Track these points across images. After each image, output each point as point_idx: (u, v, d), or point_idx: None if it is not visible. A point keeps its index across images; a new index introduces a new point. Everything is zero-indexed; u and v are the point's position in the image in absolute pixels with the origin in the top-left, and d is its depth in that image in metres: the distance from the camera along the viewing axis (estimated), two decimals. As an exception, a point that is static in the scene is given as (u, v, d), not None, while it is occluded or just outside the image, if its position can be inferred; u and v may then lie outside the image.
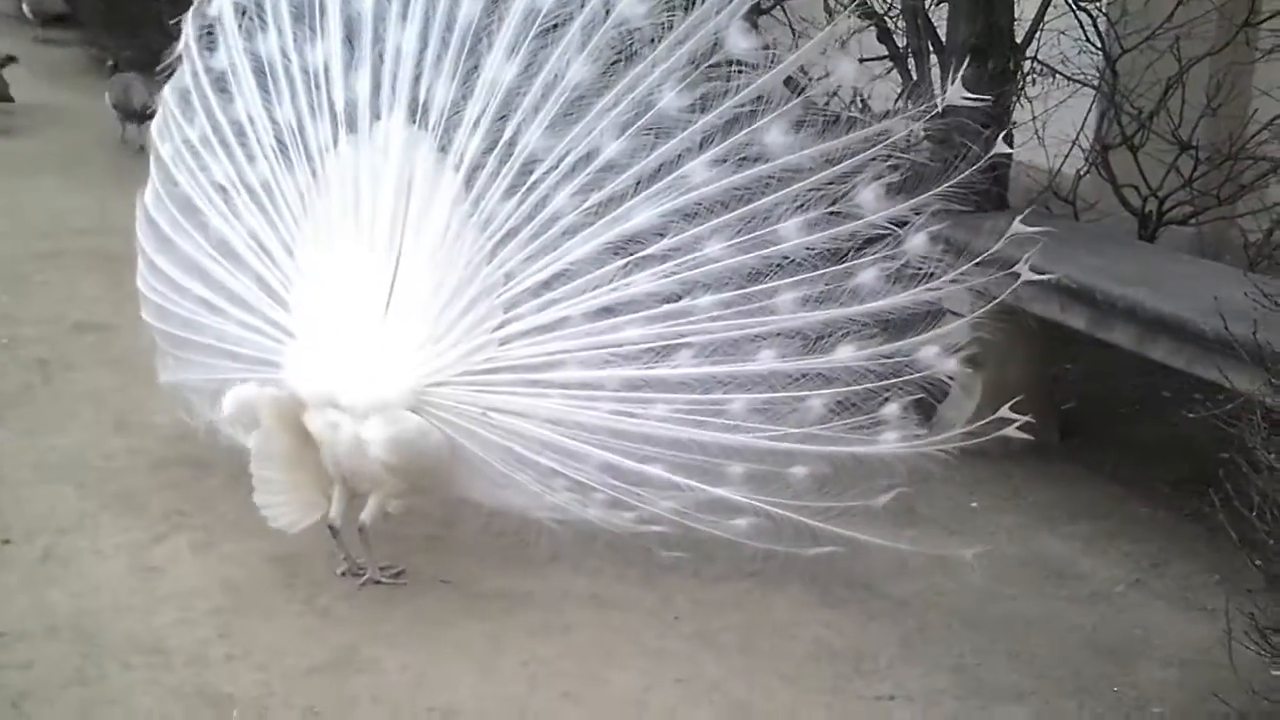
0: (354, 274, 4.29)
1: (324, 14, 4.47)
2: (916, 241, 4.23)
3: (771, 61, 4.19)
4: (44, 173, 8.87)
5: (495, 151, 4.29)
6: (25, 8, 13.59)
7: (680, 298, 4.21)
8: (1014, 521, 4.96)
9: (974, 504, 5.08)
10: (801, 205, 4.21)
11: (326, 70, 4.46)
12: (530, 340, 4.24)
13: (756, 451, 4.23)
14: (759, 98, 4.13)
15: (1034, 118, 6.43)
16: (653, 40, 4.20)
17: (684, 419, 4.20)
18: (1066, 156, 6.53)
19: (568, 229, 4.23)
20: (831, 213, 4.24)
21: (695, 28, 4.14)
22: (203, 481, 4.83)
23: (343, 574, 4.30)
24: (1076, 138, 6.55)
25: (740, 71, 4.17)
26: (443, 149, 4.34)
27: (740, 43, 4.14)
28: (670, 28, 4.17)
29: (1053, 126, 6.52)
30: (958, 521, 4.94)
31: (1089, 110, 6.57)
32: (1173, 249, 5.96)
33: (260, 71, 4.59)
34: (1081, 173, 6.43)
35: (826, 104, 6.62)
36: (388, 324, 4.24)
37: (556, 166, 4.24)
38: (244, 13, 4.62)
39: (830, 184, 4.22)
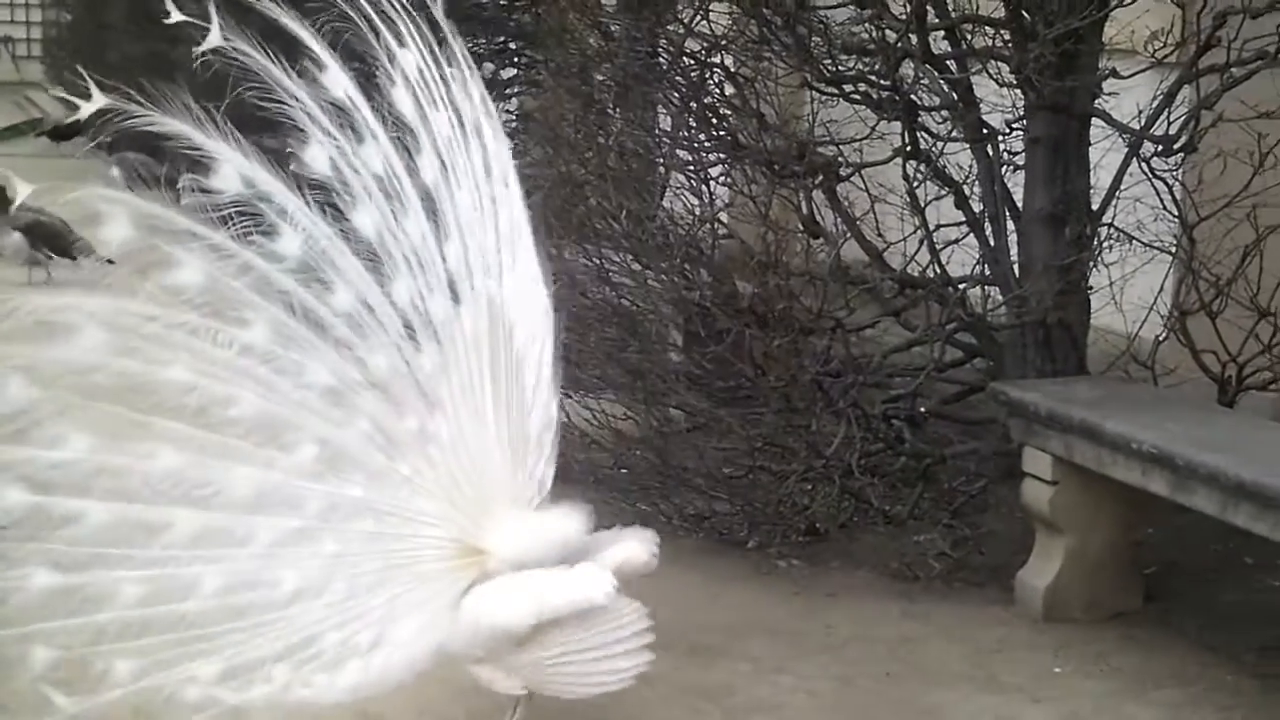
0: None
1: (404, 188, 4.43)
2: None
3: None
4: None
5: None
6: (115, 171, 13.99)
7: None
8: (1098, 688, 4.92)
9: (1058, 670, 5.05)
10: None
11: (425, 240, 4.28)
12: None
13: None
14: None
15: (1111, 283, 6.50)
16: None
17: None
18: (1144, 322, 6.58)
19: None
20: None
21: None
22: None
23: None
24: (1154, 303, 6.61)
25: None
26: None
27: None
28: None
29: (1130, 292, 6.58)
30: (1042, 688, 4.91)
31: (1166, 276, 6.64)
32: (1253, 415, 5.97)
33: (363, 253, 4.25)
34: (1160, 338, 6.46)
35: (903, 269, 6.78)
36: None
37: None
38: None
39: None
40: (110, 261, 9.96)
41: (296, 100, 4.05)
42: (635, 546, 4.26)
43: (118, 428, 3.84)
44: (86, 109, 3.82)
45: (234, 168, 3.94)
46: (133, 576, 3.81)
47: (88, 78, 3.82)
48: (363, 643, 3.97)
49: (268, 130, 4.12)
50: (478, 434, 4.13)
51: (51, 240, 10.32)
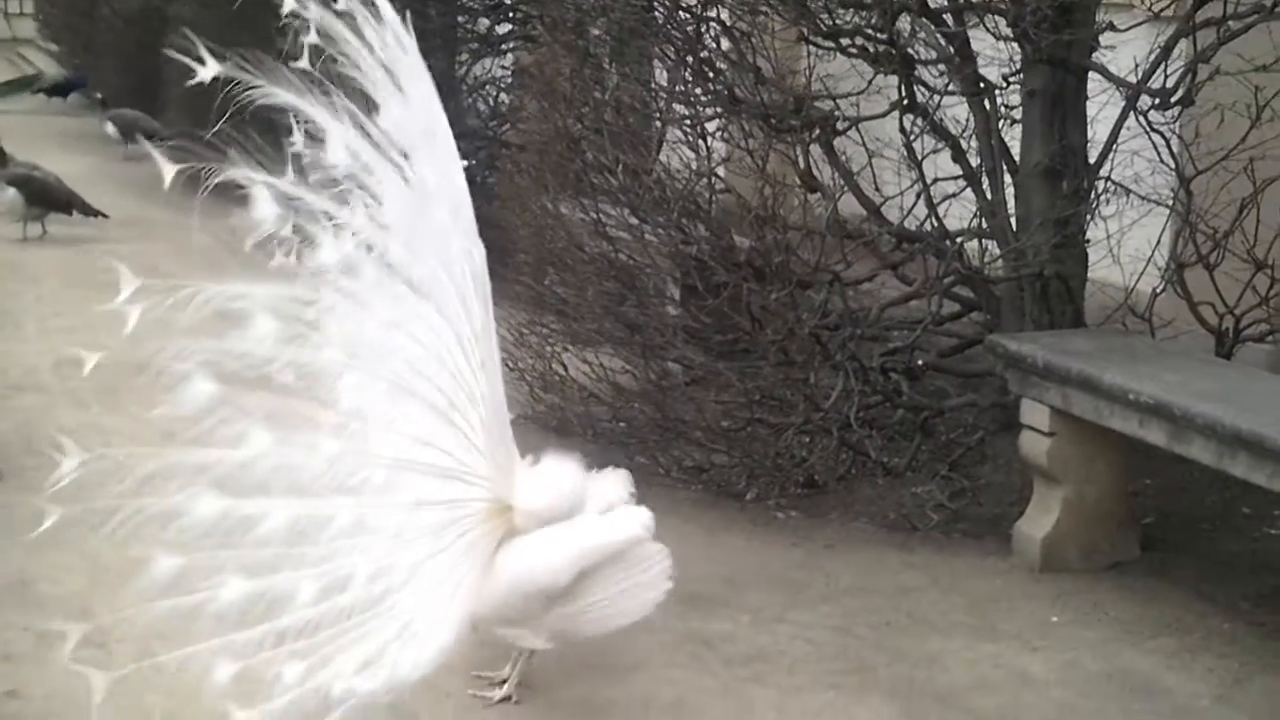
0: None
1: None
2: None
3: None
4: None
5: None
6: (110, 128, 14.00)
7: None
8: (1096, 636, 4.95)
9: (1055, 618, 5.08)
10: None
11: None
12: None
13: None
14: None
15: (1109, 236, 6.51)
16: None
17: None
18: (1141, 275, 6.60)
19: None
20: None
21: None
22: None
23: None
24: (1152, 256, 6.62)
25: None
26: None
27: None
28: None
29: (1128, 245, 6.59)
30: (1039, 637, 4.94)
31: (1164, 229, 6.65)
32: (1249, 366, 5.99)
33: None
34: (1157, 291, 6.48)
35: (901, 222, 6.79)
36: None
37: None
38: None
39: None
40: (105, 216, 9.89)
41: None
42: (617, 487, 4.33)
43: (287, 420, 3.81)
44: (203, 74, 3.72)
45: (340, 139, 3.84)
46: (310, 574, 3.77)
47: (199, 44, 3.71)
48: (434, 616, 3.93)
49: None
50: (498, 390, 4.13)
51: (45, 195, 10.32)
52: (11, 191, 10.20)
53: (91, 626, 3.88)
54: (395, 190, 3.95)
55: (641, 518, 4.21)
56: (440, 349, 3.98)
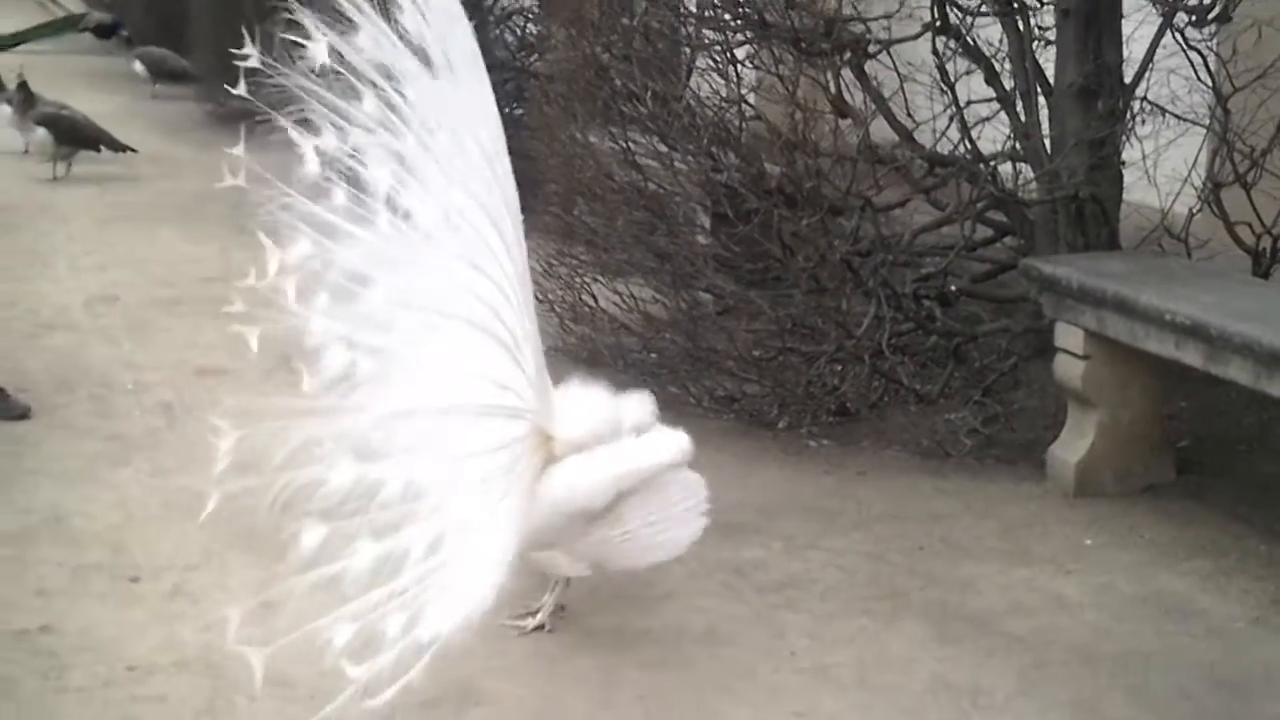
0: None
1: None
2: None
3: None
4: (164, 222, 9.13)
5: None
6: (138, 66, 13.99)
7: None
8: (1130, 559, 4.92)
9: (1089, 542, 5.05)
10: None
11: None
12: None
13: None
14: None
15: (1144, 157, 6.41)
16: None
17: None
18: (1178, 195, 6.50)
19: None
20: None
21: None
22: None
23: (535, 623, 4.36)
24: (1188, 176, 6.52)
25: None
26: None
27: None
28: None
29: (1164, 166, 6.49)
30: (1073, 560, 4.91)
31: (1200, 149, 6.55)
32: (1288, 286, 5.92)
33: None
34: (1194, 211, 6.39)
35: (933, 147, 6.71)
36: None
37: None
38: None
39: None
40: (134, 150, 9.87)
41: None
42: (642, 409, 4.29)
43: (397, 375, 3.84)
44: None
45: (371, 41, 3.84)
46: (423, 530, 3.76)
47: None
48: (492, 549, 3.88)
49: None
50: (534, 320, 4.09)
51: (74, 134, 10.33)
52: (41, 131, 10.20)
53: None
54: (434, 112, 3.92)
55: (680, 441, 4.22)
56: (494, 279, 3.94)
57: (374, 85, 3.89)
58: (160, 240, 8.76)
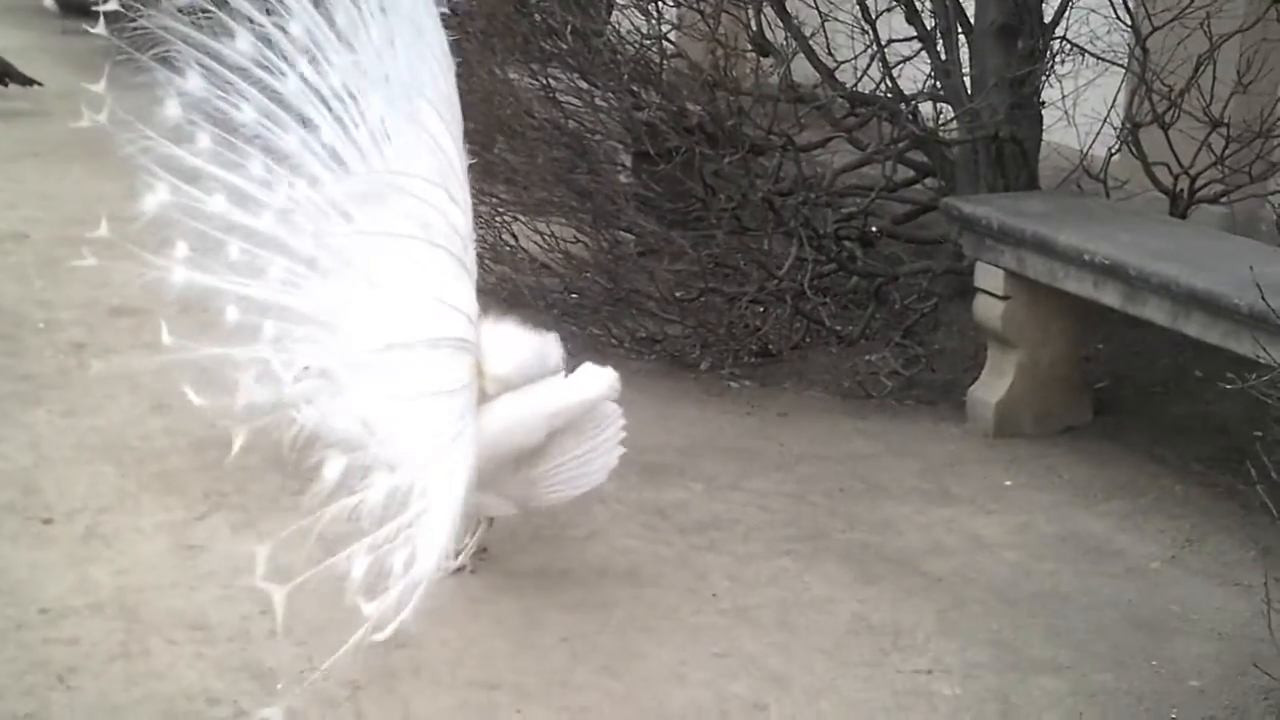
0: None
1: None
2: None
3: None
4: (74, 159, 8.91)
5: None
6: (49, 1, 13.63)
7: None
8: (1049, 500, 4.96)
9: (1008, 482, 5.08)
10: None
11: None
12: None
13: None
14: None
15: (1064, 97, 6.43)
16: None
17: None
18: (1097, 135, 6.53)
19: None
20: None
21: None
22: (240, 461, 4.81)
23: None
24: (1107, 116, 6.55)
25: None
26: None
27: None
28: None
29: (1083, 106, 6.52)
30: (993, 500, 4.94)
31: (1119, 89, 6.57)
32: (1204, 226, 5.95)
33: None
34: (1112, 151, 6.42)
35: (854, 86, 6.68)
36: None
37: None
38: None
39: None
40: (39, 84, 9.63)
41: None
42: (556, 347, 4.27)
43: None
44: None
45: None
46: (431, 467, 3.77)
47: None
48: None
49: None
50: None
51: None
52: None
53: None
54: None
55: (607, 377, 4.20)
56: (448, 190, 3.89)
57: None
58: (70, 177, 8.57)
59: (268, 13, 3.99)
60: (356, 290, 3.90)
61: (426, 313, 3.88)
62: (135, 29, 3.88)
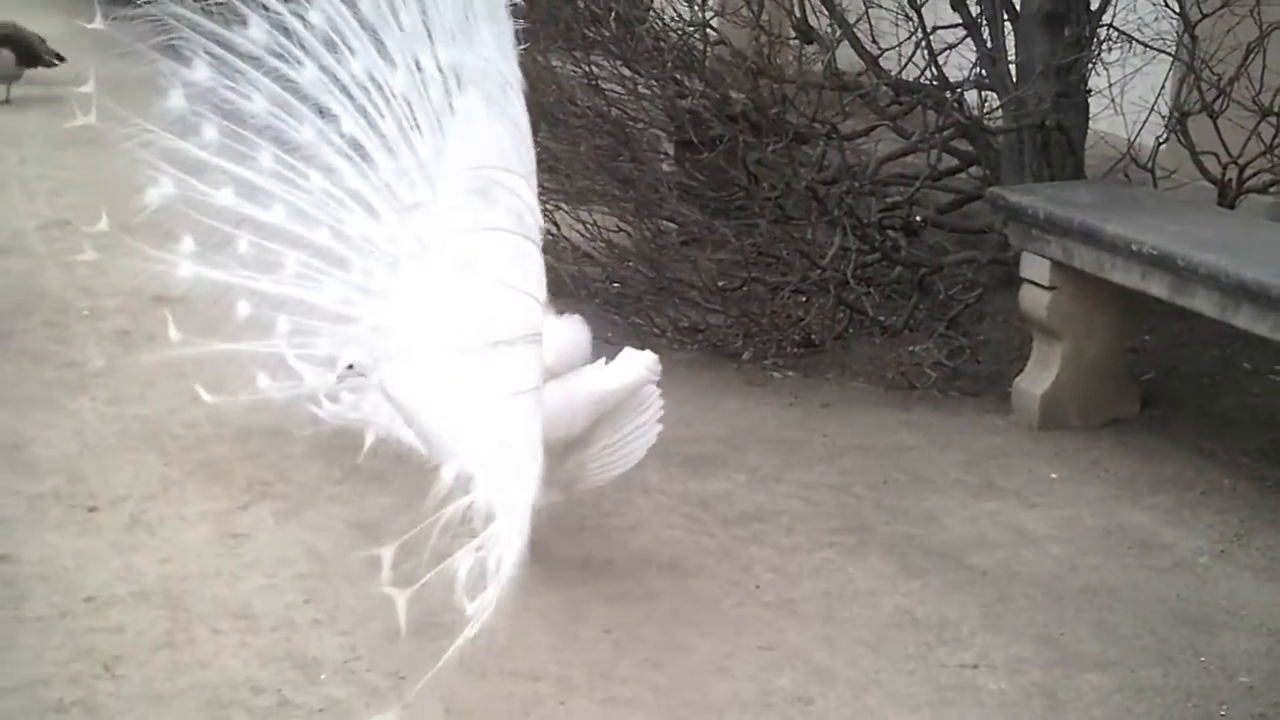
0: None
1: None
2: None
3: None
4: (117, 147, 8.95)
5: None
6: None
7: None
8: (1095, 493, 4.91)
9: (1054, 475, 5.04)
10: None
11: None
12: None
13: None
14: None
15: (1110, 85, 6.37)
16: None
17: None
18: (1144, 124, 6.47)
19: None
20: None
21: None
22: (283, 450, 4.85)
23: None
24: (1154, 105, 6.49)
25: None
26: None
27: None
28: None
29: (1130, 94, 6.46)
30: (1038, 494, 4.90)
31: (1167, 77, 6.51)
32: (1253, 216, 5.89)
33: None
34: (1160, 140, 6.36)
35: (899, 74, 6.63)
36: None
37: None
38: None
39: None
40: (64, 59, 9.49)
41: None
42: (583, 330, 4.28)
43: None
44: None
45: None
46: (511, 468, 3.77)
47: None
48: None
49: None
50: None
51: (31, 54, 10.11)
52: (5, 51, 9.96)
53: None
54: None
55: (647, 360, 4.20)
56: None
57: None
58: (114, 165, 8.59)
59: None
60: (457, 288, 3.89)
61: (520, 308, 3.83)
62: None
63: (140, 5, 3.89)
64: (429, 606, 3.82)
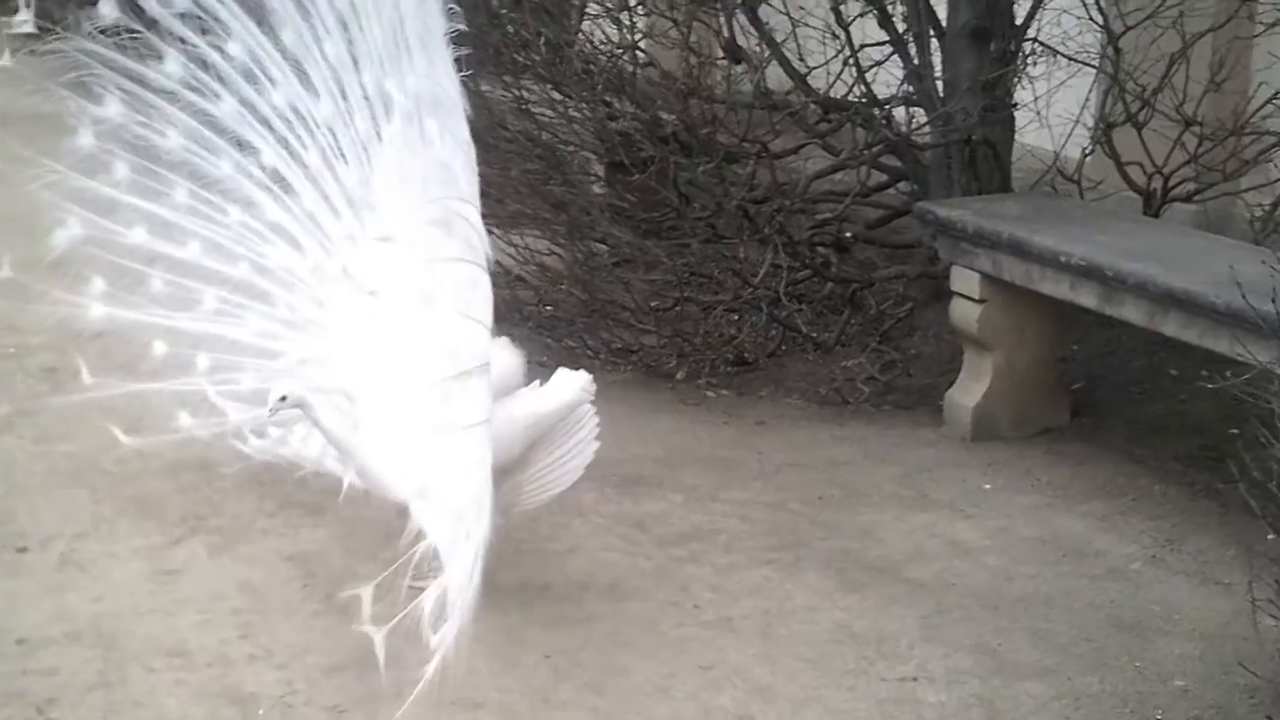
0: None
1: None
2: None
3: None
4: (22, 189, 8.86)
5: None
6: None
7: None
8: (1028, 502, 4.95)
9: (987, 486, 5.07)
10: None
11: None
12: None
13: None
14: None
15: (1036, 99, 6.42)
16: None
17: None
18: (1070, 136, 6.52)
19: None
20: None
21: None
22: (215, 484, 4.80)
23: None
24: (1080, 117, 6.54)
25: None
26: None
27: None
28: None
29: (1056, 107, 6.51)
30: (972, 505, 4.93)
31: (1091, 89, 6.57)
32: (1179, 225, 5.95)
33: None
34: (1086, 152, 6.42)
35: (827, 92, 6.67)
36: None
37: None
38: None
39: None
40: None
41: None
42: (514, 353, 4.27)
43: None
44: None
45: None
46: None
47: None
48: None
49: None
50: None
51: None
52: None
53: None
54: None
55: (582, 380, 4.21)
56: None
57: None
58: (20, 207, 8.50)
59: (203, 32, 3.95)
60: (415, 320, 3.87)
61: (473, 338, 3.80)
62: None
63: (50, 42, 3.84)
64: (362, 638, 3.81)
